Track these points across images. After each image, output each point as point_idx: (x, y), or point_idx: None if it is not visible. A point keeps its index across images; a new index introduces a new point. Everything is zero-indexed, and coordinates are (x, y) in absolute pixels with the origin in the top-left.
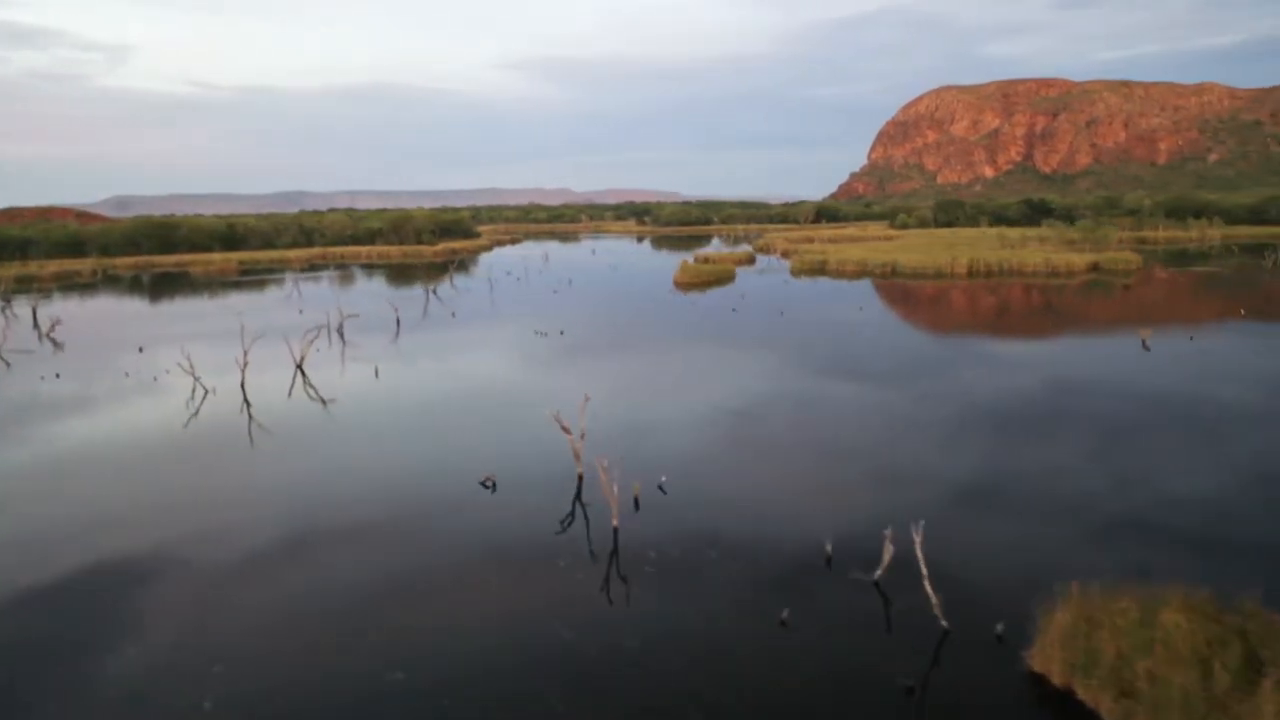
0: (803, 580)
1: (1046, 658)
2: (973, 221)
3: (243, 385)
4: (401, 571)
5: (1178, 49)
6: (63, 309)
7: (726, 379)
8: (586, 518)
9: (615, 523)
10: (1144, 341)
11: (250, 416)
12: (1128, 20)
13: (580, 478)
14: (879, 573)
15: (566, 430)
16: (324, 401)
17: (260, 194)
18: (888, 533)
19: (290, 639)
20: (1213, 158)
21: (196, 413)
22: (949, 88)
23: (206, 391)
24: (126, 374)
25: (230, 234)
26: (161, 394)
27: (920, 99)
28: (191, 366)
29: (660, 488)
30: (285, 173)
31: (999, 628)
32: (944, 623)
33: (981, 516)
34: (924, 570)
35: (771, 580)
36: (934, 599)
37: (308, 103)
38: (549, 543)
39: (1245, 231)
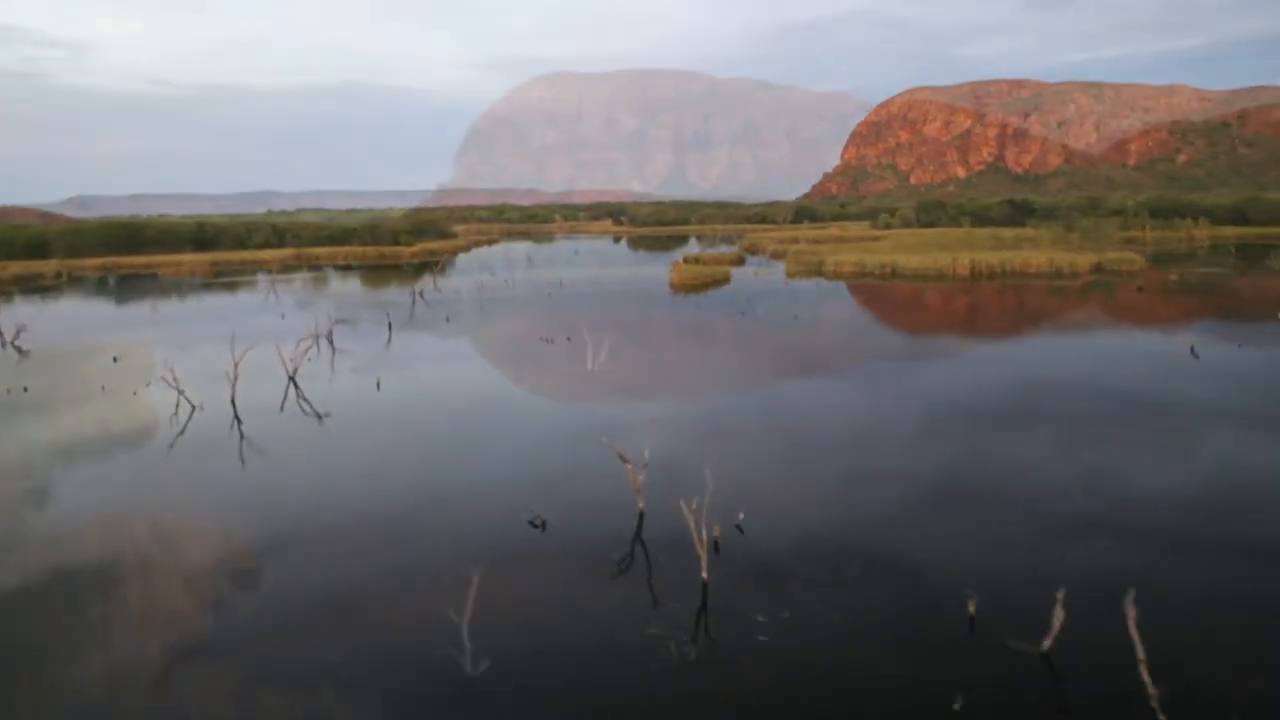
0: (952, 651)
1: None
2: (955, 222)
3: (233, 400)
4: (437, 622)
5: (1148, 51)
6: (26, 313)
7: (767, 391)
8: (649, 562)
9: (705, 575)
10: (1192, 348)
11: (242, 435)
12: (1098, 22)
13: (641, 514)
14: (1048, 643)
15: (625, 459)
16: (319, 417)
17: (225, 194)
18: (1060, 594)
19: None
20: (1182, 159)
21: (183, 431)
22: (921, 89)
23: (194, 408)
24: (103, 387)
25: (200, 234)
26: (143, 410)
27: (893, 100)
28: (175, 379)
29: (738, 526)
30: (251, 172)
31: None
32: (1162, 717)
33: (1141, 562)
34: (1141, 655)
35: (915, 652)
36: (1152, 689)
37: (274, 102)
38: (623, 599)
39: (1231, 232)
